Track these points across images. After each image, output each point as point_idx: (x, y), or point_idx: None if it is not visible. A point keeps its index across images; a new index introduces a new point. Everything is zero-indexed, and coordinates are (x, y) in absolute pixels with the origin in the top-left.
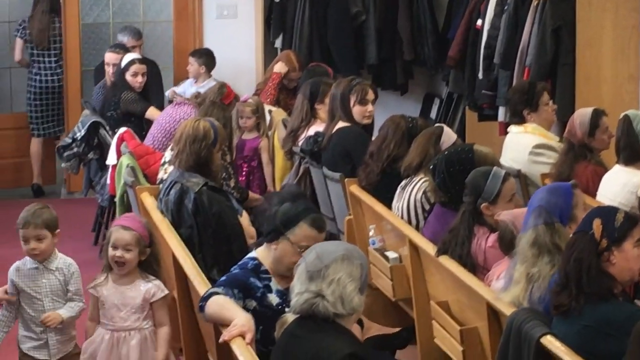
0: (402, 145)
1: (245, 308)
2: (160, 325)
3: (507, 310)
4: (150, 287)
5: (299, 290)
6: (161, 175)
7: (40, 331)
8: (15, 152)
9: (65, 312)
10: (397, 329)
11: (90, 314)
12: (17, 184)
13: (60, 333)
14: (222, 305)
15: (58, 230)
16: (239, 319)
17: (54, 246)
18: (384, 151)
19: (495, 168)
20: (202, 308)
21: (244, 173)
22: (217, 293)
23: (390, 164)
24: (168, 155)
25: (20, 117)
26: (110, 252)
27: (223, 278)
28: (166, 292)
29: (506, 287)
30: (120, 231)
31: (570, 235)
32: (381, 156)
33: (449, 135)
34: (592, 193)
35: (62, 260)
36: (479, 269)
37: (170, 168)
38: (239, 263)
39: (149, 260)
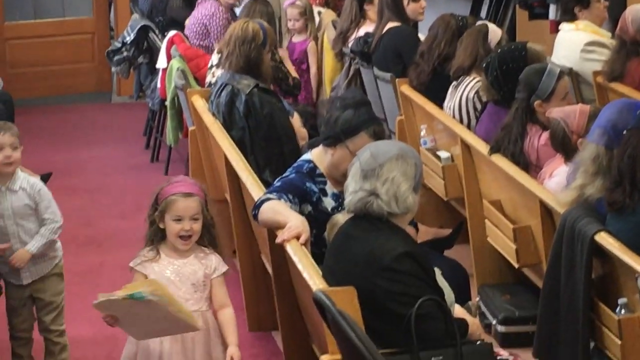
0: (452, 44)
1: (301, 212)
2: (223, 306)
3: (560, 208)
4: (211, 261)
5: (353, 189)
6: (209, 79)
7: (6, 255)
8: None
9: (33, 245)
10: (447, 231)
11: None
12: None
13: (30, 260)
14: (276, 210)
15: (22, 147)
16: (293, 222)
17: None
18: (434, 50)
19: (550, 65)
20: (255, 216)
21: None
22: (270, 199)
23: (440, 64)
24: (215, 58)
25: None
26: (175, 226)
27: (277, 183)
28: (226, 267)
29: (566, 188)
30: (184, 200)
31: None
32: (432, 56)
33: (495, 32)
34: None
35: (25, 180)
36: (531, 167)
37: (218, 71)
38: (294, 165)
39: (207, 227)
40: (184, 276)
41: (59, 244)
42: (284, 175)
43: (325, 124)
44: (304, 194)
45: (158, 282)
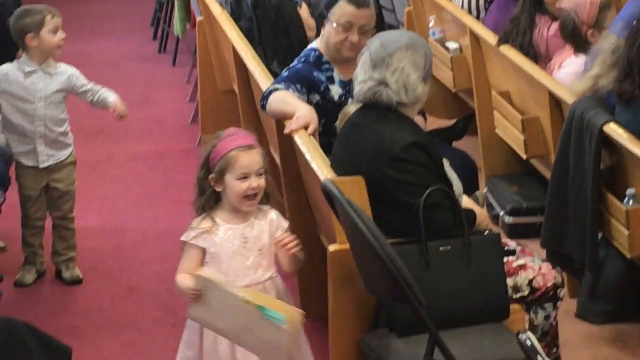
0: None
1: (309, 102)
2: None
3: (569, 99)
4: (272, 217)
5: (363, 79)
6: None
7: (28, 136)
8: None
9: (114, 97)
10: (454, 121)
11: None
12: None
13: (50, 141)
14: (284, 100)
15: None
16: (301, 112)
17: None
18: None
19: None
20: (263, 107)
21: None
22: (278, 89)
23: None
24: None
25: None
26: (240, 185)
27: (285, 73)
28: (287, 222)
29: (582, 76)
30: (247, 154)
31: None
32: None
33: None
34: None
35: (62, 66)
36: (540, 58)
37: None
38: (301, 55)
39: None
40: (251, 242)
41: (71, 134)
42: (291, 65)
43: (316, 7)
44: (312, 83)
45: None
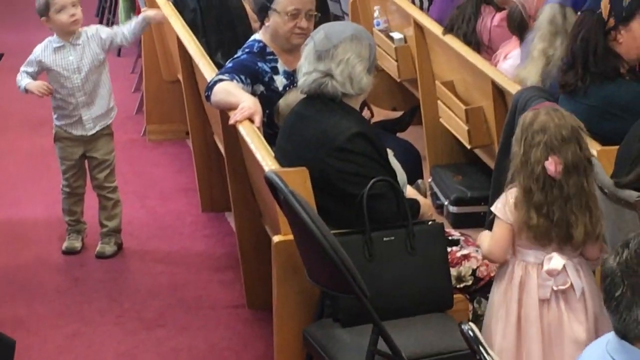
0: None
1: (253, 93)
2: None
3: (512, 89)
4: None
5: (307, 70)
6: None
7: (72, 107)
8: None
9: (140, 17)
10: (400, 113)
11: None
12: None
13: (94, 108)
14: (228, 90)
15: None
16: (245, 102)
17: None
18: None
19: None
20: (208, 97)
21: None
22: (222, 80)
23: None
24: None
25: None
26: None
27: (229, 64)
28: None
29: (523, 62)
30: None
31: None
32: None
33: None
34: None
35: (84, 33)
36: (483, 48)
37: None
38: (245, 46)
39: None
40: None
41: (113, 103)
42: (235, 56)
43: (255, 2)
44: (256, 74)
45: None
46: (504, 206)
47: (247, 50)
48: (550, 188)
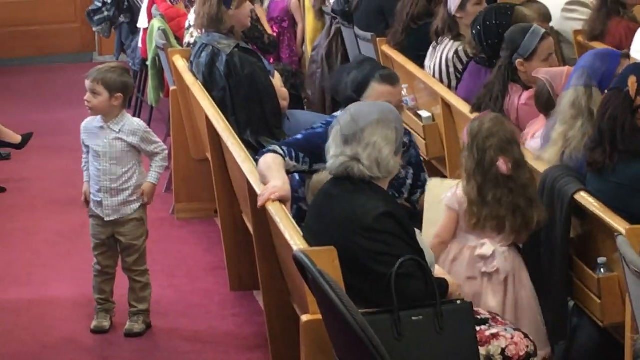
0: (419, 2)
1: (312, 172)
2: None
3: (540, 167)
4: None
5: (335, 153)
6: (187, 39)
7: (97, 189)
8: None
9: (152, 177)
10: None
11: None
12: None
13: (114, 195)
14: (269, 166)
15: (119, 94)
16: (272, 182)
17: (118, 109)
18: (403, 10)
19: (535, 25)
20: (257, 161)
21: (274, 35)
22: (274, 152)
23: (413, 21)
24: (192, 19)
25: None
26: None
27: (300, 135)
28: None
29: (544, 146)
30: None
31: None
32: (402, 15)
33: None
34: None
35: (128, 122)
36: None
37: (196, 32)
38: (328, 118)
39: None
40: None
41: (137, 191)
42: (314, 125)
43: (337, 93)
44: (322, 154)
45: None
46: (453, 196)
47: (327, 123)
48: (504, 184)
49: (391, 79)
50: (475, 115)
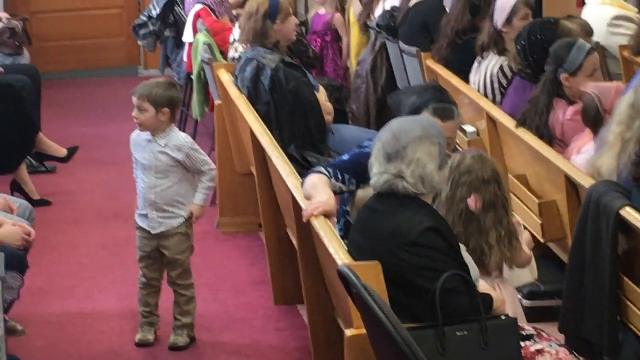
0: (464, 16)
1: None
2: None
3: (585, 182)
4: None
5: (378, 171)
6: (231, 54)
7: (142, 202)
8: None
9: (200, 198)
10: None
11: None
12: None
13: (159, 209)
14: (314, 185)
15: (166, 109)
16: (317, 197)
17: (166, 124)
18: (447, 25)
19: (580, 40)
20: (301, 175)
21: (317, 48)
22: (320, 173)
23: (457, 36)
24: (237, 33)
25: None
26: None
27: (346, 156)
28: None
29: (599, 150)
30: None
31: None
32: (447, 30)
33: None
34: None
35: (175, 137)
36: (555, 141)
37: (240, 47)
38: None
39: None
40: None
41: (183, 205)
42: (363, 144)
43: (397, 113)
44: (366, 176)
45: None
46: None
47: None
48: (469, 221)
49: (443, 113)
50: (520, 130)
